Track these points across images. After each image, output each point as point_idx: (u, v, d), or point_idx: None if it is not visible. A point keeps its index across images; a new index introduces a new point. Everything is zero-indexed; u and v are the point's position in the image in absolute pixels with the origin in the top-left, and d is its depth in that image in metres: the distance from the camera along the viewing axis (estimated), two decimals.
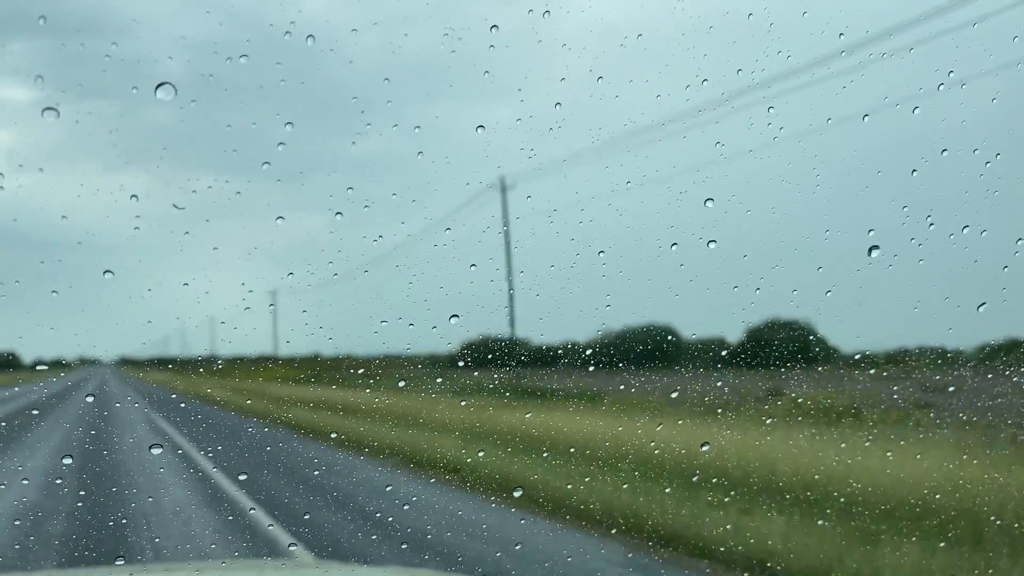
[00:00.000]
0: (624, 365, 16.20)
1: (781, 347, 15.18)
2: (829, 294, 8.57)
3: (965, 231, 7.45)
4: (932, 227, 7.76)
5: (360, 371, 19.12)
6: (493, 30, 6.25)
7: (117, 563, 6.98)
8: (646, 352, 16.22)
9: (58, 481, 11.81)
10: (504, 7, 6.81)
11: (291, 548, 8.15)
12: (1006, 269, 7.92)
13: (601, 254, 7.56)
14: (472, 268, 7.43)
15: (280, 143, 6.49)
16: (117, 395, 27.91)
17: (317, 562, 7.20)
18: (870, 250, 6.53)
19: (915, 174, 7.62)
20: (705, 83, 7.35)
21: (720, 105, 8.18)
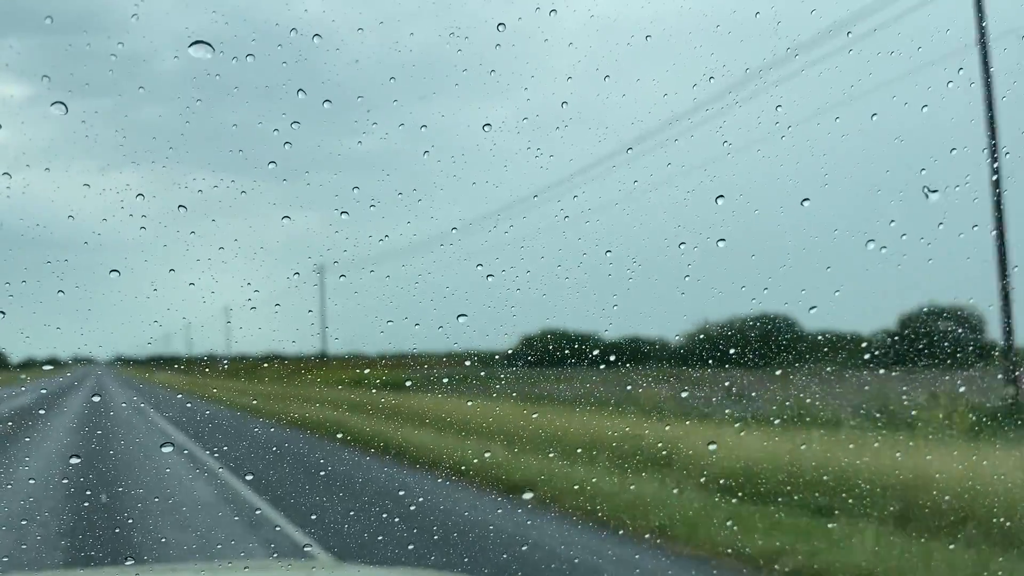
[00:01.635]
0: (747, 362, 13.47)
1: (939, 341, 13.00)
2: (838, 293, 8.54)
3: (975, 229, 7.43)
4: (941, 226, 7.73)
5: (430, 371, 17.22)
6: (500, 28, 6.23)
7: (127, 564, 6.97)
8: (762, 347, 13.46)
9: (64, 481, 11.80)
10: (510, 5, 6.78)
11: (306, 549, 8.14)
12: (1016, 268, 7.89)
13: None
14: (478, 267, 7.39)
15: (286, 142, 6.48)
16: (121, 397, 27.61)
17: (325, 562, 7.18)
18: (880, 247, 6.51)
19: (923, 172, 7.59)
20: (712, 81, 7.33)
21: (728, 105, 8.15)
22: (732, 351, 13.11)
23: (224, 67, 6.41)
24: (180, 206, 6.70)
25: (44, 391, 27.81)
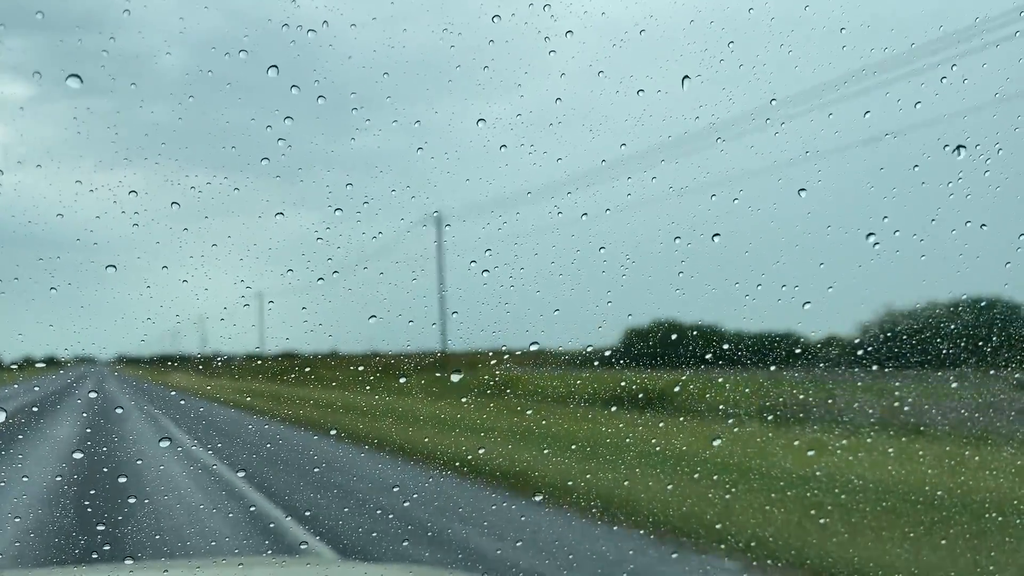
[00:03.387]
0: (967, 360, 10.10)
1: None
2: (831, 289, 8.55)
3: (967, 225, 7.43)
4: (933, 222, 7.73)
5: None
6: (495, 20, 6.22)
7: (126, 562, 6.96)
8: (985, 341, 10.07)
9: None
10: (503, 1, 6.79)
11: (302, 547, 8.15)
12: (1008, 265, 7.89)
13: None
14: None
15: (280, 139, 6.47)
16: (117, 393, 27.34)
17: (320, 559, 7.17)
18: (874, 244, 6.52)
19: (916, 169, 7.60)
20: (707, 79, 7.32)
21: (722, 101, 8.14)
22: (953, 347, 10.24)
23: (217, 64, 6.39)
24: (173, 203, 6.70)
25: (37, 388, 27.65)
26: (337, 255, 7.82)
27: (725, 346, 10.95)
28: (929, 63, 8.01)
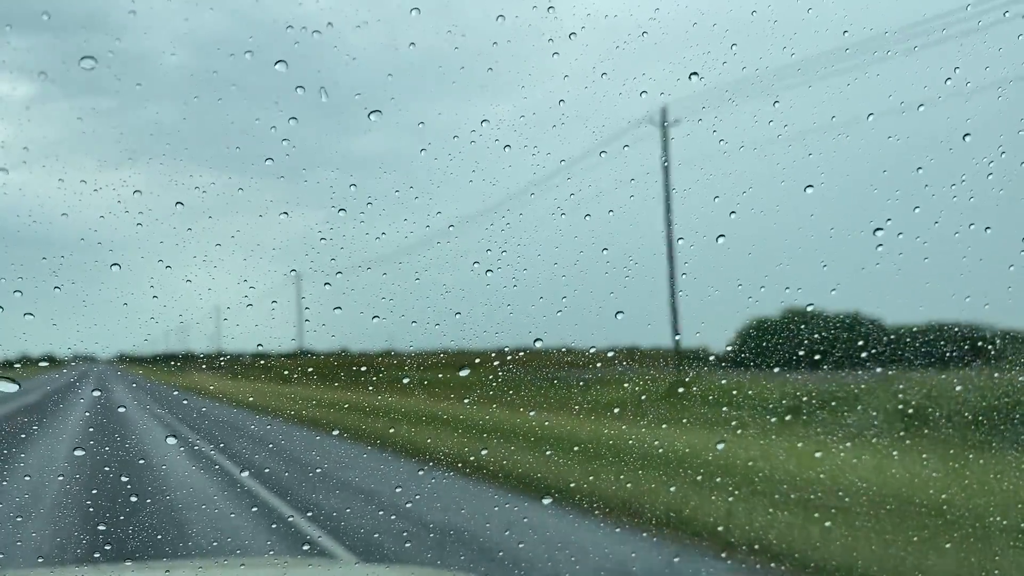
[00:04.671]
0: None
1: None
2: (834, 292, 8.55)
3: (971, 228, 7.44)
4: (937, 224, 7.73)
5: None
6: (499, 21, 6.24)
7: (127, 563, 6.98)
8: None
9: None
10: (507, 4, 6.81)
11: (304, 548, 8.16)
12: (1012, 268, 7.88)
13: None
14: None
15: (284, 139, 6.49)
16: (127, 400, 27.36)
17: (322, 560, 7.19)
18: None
19: (920, 171, 7.60)
20: (709, 80, 7.34)
21: (724, 103, 8.16)
22: None
23: (221, 64, 6.41)
24: (177, 203, 6.72)
25: (40, 389, 27.68)
26: (340, 255, 7.83)
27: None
28: (932, 65, 8.02)
